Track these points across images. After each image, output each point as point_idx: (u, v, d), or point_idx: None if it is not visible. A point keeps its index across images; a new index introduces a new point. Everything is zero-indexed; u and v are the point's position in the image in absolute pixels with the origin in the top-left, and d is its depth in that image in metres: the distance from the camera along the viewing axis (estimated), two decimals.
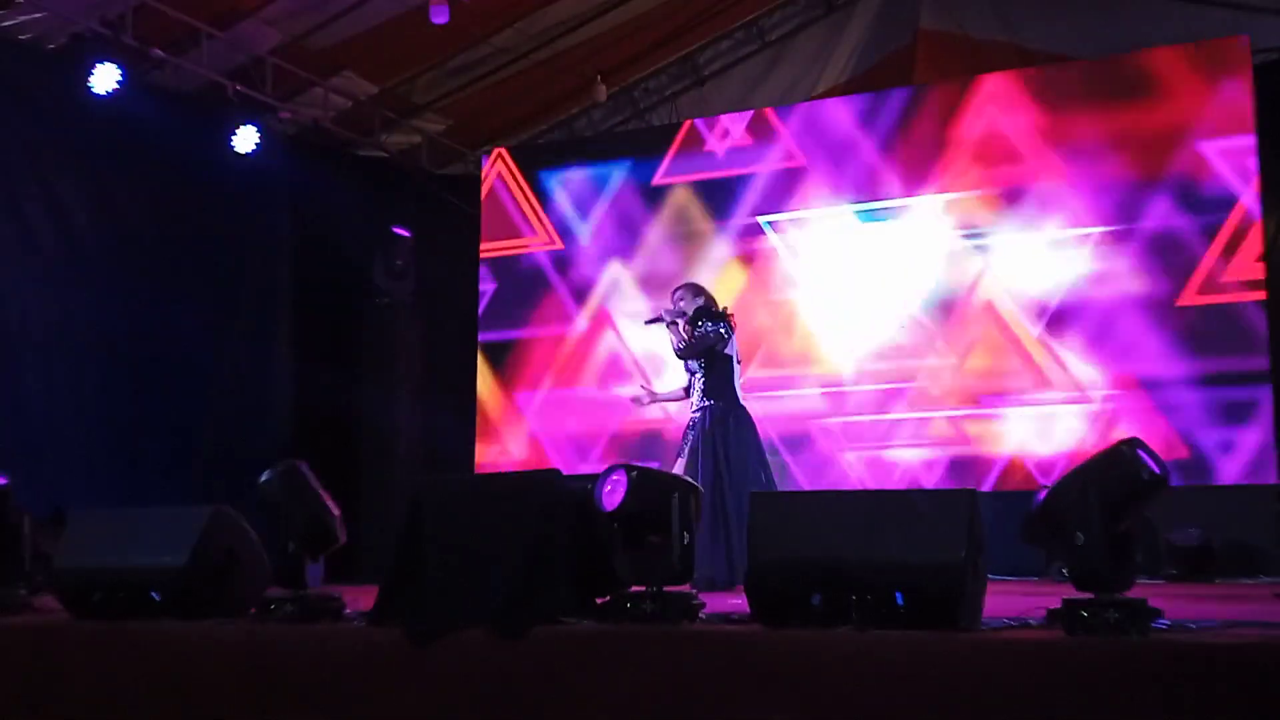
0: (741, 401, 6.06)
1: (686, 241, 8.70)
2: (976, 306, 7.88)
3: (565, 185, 9.12)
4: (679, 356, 6.13)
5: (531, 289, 9.12)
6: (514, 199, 9.22)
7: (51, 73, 7.28)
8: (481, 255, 9.26)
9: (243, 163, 8.12)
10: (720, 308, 6.18)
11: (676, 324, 6.11)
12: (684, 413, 6.31)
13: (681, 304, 6.18)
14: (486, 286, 9.24)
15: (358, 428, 9.11)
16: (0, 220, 7.13)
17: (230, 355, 8.40)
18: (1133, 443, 3.05)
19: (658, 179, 8.82)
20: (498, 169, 9.31)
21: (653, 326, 6.48)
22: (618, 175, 8.95)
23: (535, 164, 9.27)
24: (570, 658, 3.17)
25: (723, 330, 6.02)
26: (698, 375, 6.06)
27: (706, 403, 5.98)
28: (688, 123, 8.92)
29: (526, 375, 9.04)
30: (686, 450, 5.96)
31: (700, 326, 6.02)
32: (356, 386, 9.15)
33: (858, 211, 8.21)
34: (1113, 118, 7.62)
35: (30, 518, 4.43)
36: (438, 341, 9.47)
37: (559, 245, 9.05)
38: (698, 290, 6.28)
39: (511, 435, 9.03)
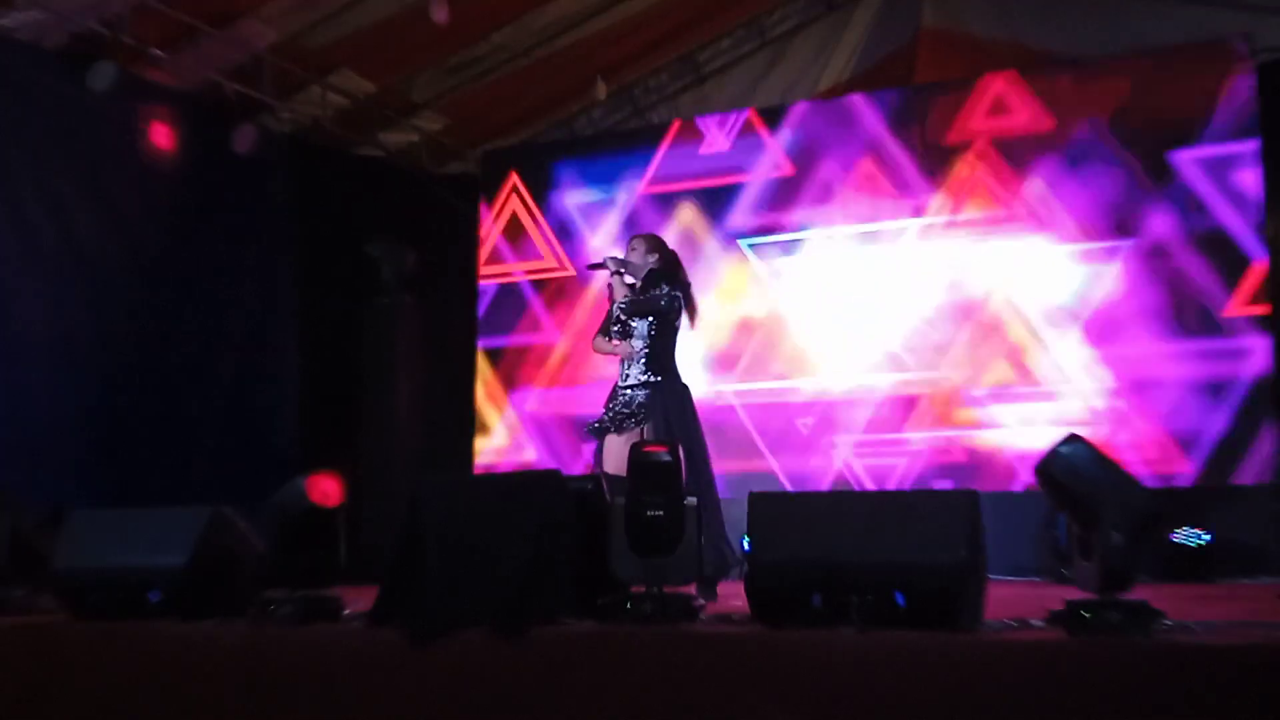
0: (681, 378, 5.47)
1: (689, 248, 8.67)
2: (981, 315, 7.86)
3: (576, 207, 9.04)
4: (622, 313, 5.44)
5: (533, 295, 9.12)
6: (526, 227, 9.16)
7: (51, 72, 7.26)
8: (483, 276, 9.23)
9: (241, 161, 8.11)
10: (682, 272, 5.57)
11: (622, 274, 5.49)
12: None
13: (633, 255, 5.56)
14: (487, 286, 9.23)
15: (358, 428, 9.09)
16: (0, 220, 7.11)
17: (230, 355, 8.36)
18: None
19: (657, 186, 8.80)
20: (511, 201, 9.26)
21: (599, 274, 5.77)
22: (624, 187, 8.88)
23: (543, 183, 9.17)
24: (570, 658, 3.16)
25: (676, 299, 5.42)
26: (640, 342, 5.42)
27: (652, 378, 5.36)
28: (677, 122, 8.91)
29: (526, 375, 9.03)
30: (631, 430, 5.27)
31: (658, 289, 5.41)
32: (356, 386, 9.13)
33: (855, 234, 8.18)
34: (1114, 119, 7.60)
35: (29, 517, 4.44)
36: (438, 341, 9.46)
37: (569, 270, 8.97)
38: (655, 245, 5.62)
39: (511, 435, 9.01)
